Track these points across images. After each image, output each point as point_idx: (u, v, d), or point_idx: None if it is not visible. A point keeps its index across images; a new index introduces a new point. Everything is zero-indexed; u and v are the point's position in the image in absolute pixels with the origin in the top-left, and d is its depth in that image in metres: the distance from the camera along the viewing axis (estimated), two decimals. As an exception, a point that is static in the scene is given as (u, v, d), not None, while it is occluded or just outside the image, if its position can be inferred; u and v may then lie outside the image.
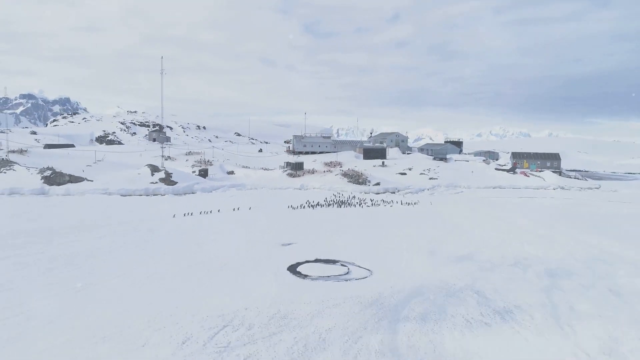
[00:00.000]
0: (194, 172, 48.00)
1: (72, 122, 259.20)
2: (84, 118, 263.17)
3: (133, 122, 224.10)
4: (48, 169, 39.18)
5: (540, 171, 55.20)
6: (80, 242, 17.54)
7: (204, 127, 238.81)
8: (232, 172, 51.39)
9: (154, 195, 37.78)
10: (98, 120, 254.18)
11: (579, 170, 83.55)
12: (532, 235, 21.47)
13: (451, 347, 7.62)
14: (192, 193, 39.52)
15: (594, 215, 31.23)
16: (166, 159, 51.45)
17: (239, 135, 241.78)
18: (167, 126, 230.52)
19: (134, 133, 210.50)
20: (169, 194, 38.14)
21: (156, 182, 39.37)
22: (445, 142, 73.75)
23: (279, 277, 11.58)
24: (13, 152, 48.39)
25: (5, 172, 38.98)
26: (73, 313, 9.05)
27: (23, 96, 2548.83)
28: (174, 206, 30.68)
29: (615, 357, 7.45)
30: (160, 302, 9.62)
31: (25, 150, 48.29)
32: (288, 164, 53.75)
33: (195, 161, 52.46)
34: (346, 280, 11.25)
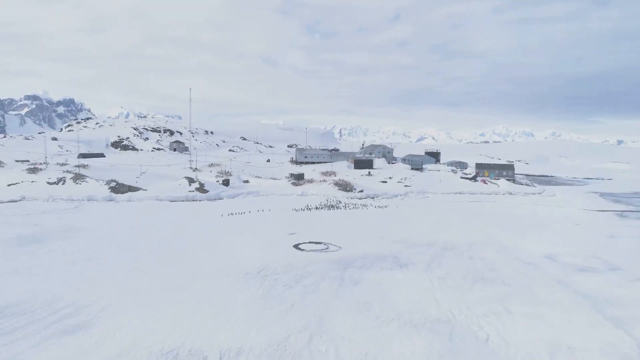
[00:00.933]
0: (217, 181, 59.53)
1: (86, 126, 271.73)
2: (97, 123, 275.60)
3: (145, 127, 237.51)
4: (112, 181, 50.92)
5: (497, 179, 66.89)
6: (170, 231, 29.69)
7: (212, 132, 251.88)
8: (247, 181, 62.81)
9: (193, 201, 49.44)
10: (111, 125, 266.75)
11: (544, 176, 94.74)
12: (452, 228, 33.28)
13: (372, 278, 18.44)
14: (220, 199, 51.11)
15: (507, 215, 42.98)
16: (194, 170, 63.36)
17: (244, 139, 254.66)
18: (177, 131, 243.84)
19: (147, 138, 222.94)
20: (204, 200, 49.77)
21: (193, 191, 51.03)
22: (425, 152, 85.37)
23: (288, 250, 21.65)
24: (78, 167, 60.11)
25: (81, 184, 50.85)
26: (179, 262, 21.29)
27: (28, 97, 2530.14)
28: (213, 209, 42.52)
29: (444, 286, 19.46)
30: (233, 258, 21.51)
31: (87, 165, 59.99)
32: (292, 174, 64.93)
33: (218, 172, 63.58)
34: (325, 252, 21.99)
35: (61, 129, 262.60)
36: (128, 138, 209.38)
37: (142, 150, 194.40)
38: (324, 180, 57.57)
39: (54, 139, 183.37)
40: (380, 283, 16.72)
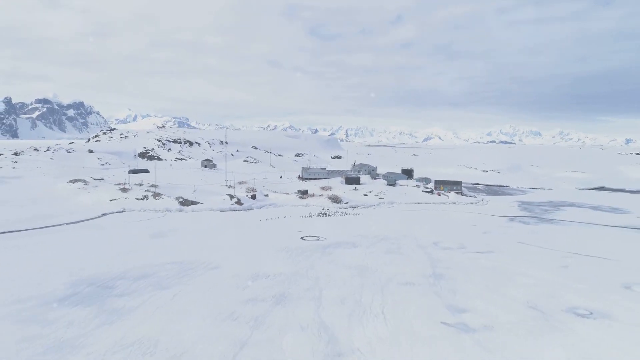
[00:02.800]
0: (247, 195, 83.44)
1: (112, 137, 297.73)
2: (122, 134, 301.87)
3: (167, 139, 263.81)
4: (180, 197, 75.36)
5: (449, 192, 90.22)
6: (233, 229, 54.50)
7: (226, 142, 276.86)
8: (267, 195, 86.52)
9: (234, 211, 73.76)
10: (134, 136, 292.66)
11: (500, 186, 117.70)
12: (392, 227, 57.79)
13: (338, 252, 42.16)
14: (252, 209, 75.35)
15: (436, 218, 66.99)
16: (229, 187, 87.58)
17: (255, 148, 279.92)
18: (196, 142, 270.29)
19: (170, 149, 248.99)
20: (241, 210, 74.09)
21: (233, 204, 75.30)
22: (402, 170, 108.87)
23: (297, 240, 46.50)
24: (153, 186, 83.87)
25: (159, 200, 75.40)
26: (248, 244, 46.01)
27: (39, 101, 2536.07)
28: (250, 216, 66.99)
29: (370, 255, 44.02)
30: (271, 242, 46.30)
31: (157, 185, 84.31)
32: (299, 190, 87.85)
33: (246, 188, 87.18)
34: (317, 241, 46.72)
35: (88, 140, 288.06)
36: (153, 149, 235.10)
37: (166, 160, 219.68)
38: (322, 195, 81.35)
39: (90, 151, 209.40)
40: (341, 254, 41.40)
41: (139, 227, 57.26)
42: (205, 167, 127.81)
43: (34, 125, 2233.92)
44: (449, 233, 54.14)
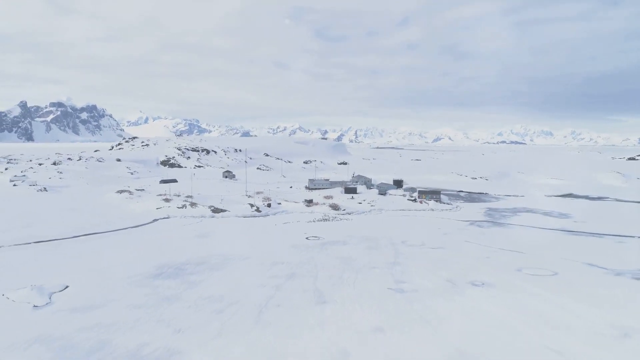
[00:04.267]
0: (264, 204, 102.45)
1: (134, 145, 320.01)
2: (142, 142, 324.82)
3: (187, 147, 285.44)
4: (212, 206, 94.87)
5: (429, 200, 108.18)
6: (257, 230, 73.96)
7: (240, 150, 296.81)
8: (280, 203, 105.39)
9: (254, 217, 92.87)
10: (155, 144, 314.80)
11: (481, 193, 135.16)
12: (375, 229, 76.67)
13: (333, 247, 60.98)
14: (268, 216, 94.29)
15: (413, 222, 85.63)
16: (249, 197, 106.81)
17: (267, 155, 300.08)
18: (213, 150, 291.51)
19: (189, 157, 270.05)
20: (260, 217, 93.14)
21: (254, 211, 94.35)
22: (393, 181, 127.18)
23: (303, 239, 64.95)
24: (189, 197, 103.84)
25: (195, 208, 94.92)
26: (274, 237, 65.62)
27: (53, 104, 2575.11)
28: (268, 221, 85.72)
29: (356, 250, 63.20)
30: (284, 240, 65.54)
31: (192, 196, 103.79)
32: (305, 200, 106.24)
33: (263, 198, 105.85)
34: (318, 240, 65.54)
35: (112, 147, 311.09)
36: (174, 157, 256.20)
37: (185, 167, 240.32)
38: (324, 203, 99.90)
39: (118, 159, 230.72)
40: (334, 249, 60.58)
41: (185, 229, 76.69)
42: (226, 177, 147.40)
43: (48, 129, 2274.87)
44: (417, 234, 72.59)
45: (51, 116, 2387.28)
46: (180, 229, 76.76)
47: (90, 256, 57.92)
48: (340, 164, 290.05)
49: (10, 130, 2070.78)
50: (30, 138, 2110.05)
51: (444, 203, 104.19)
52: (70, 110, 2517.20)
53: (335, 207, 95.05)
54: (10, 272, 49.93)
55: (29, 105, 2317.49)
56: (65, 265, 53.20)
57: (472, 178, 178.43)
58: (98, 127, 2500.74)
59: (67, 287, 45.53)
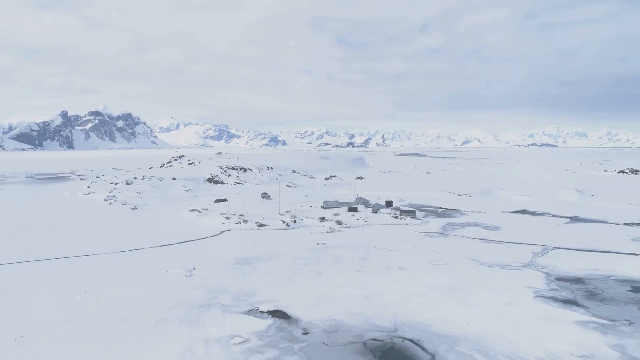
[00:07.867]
0: (291, 220, 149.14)
1: (182, 164, 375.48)
2: (189, 160, 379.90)
3: (227, 167, 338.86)
4: (257, 222, 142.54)
5: (407, 217, 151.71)
6: (287, 240, 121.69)
7: (272, 168, 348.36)
8: (302, 220, 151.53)
9: (285, 230, 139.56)
10: (199, 162, 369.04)
11: (454, 209, 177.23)
12: (359, 238, 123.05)
13: (333, 250, 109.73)
14: (294, 229, 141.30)
15: (386, 233, 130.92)
16: (281, 215, 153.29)
17: (294, 172, 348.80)
18: (249, 169, 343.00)
19: (229, 175, 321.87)
20: (289, 229, 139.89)
21: (285, 226, 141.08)
22: (385, 202, 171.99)
23: (314, 245, 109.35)
24: (242, 215, 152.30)
25: (246, 223, 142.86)
26: (295, 241, 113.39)
27: (91, 113, 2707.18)
28: (294, 233, 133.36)
29: (346, 250, 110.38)
30: (304, 245, 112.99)
31: (243, 214, 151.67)
32: (320, 217, 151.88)
33: (291, 215, 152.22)
34: (324, 245, 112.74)
35: (162, 165, 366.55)
36: (217, 175, 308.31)
37: (227, 184, 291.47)
38: (332, 219, 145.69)
39: (174, 178, 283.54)
40: (332, 250, 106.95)
41: (243, 239, 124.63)
42: (264, 198, 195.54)
43: (87, 136, 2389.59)
44: (385, 241, 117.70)
45: (90, 124, 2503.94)
46: (240, 238, 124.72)
47: (196, 253, 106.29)
48: (357, 178, 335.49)
49: (52, 139, 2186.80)
50: (71, 146, 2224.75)
51: (417, 219, 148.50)
52: (107, 119, 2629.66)
53: (339, 223, 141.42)
54: (164, 262, 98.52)
55: (69, 114, 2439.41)
56: (187, 258, 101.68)
57: (458, 195, 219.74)
58: (133, 134, 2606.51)
59: (194, 268, 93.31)
